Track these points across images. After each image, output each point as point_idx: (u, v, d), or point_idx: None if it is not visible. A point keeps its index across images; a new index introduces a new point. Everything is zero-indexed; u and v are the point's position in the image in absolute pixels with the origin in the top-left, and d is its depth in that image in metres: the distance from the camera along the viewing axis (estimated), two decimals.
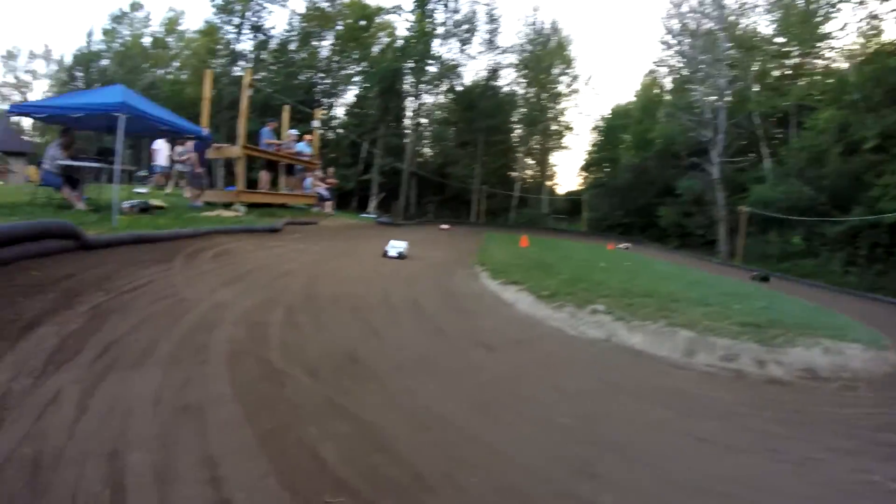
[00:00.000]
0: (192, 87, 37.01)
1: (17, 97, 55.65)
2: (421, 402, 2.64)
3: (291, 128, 16.75)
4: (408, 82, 36.36)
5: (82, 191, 8.78)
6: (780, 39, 27.15)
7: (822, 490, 2.21)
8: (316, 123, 17.91)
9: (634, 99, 45.91)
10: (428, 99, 39.85)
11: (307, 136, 16.91)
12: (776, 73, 28.37)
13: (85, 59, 46.45)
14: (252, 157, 13.67)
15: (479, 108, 38.09)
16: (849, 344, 4.11)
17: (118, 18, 48.29)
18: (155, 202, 10.50)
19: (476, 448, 2.22)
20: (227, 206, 12.13)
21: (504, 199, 41.56)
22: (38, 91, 56.86)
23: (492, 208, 41.13)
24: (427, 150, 42.58)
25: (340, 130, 36.79)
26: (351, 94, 39.24)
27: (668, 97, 35.25)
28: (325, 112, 17.80)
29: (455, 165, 38.23)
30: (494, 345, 3.84)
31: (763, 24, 28.46)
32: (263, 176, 15.23)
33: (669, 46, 32.54)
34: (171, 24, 48.75)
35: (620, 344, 4.13)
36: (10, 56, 57.06)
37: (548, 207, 43.88)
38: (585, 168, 49.66)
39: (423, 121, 40.10)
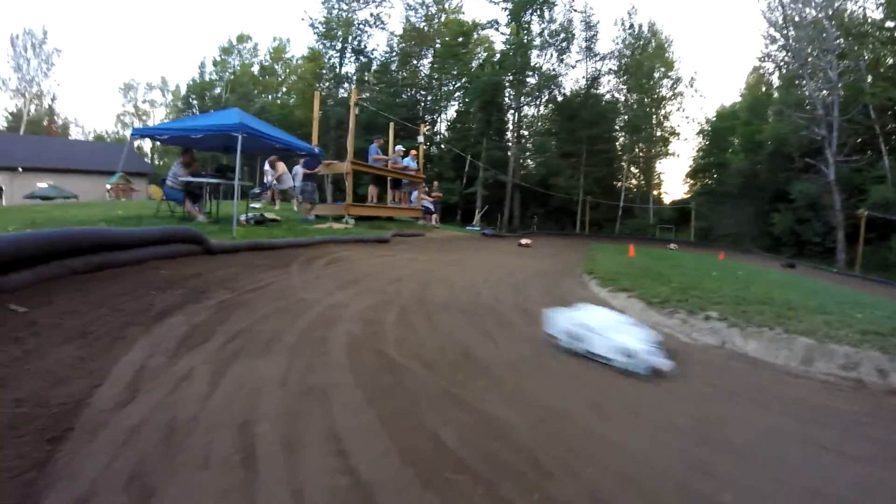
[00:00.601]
0: (300, 110, 39.43)
1: (137, 124, 61.81)
2: (533, 398, 2.52)
3: (397, 144, 17.18)
4: (508, 95, 36.44)
5: (202, 205, 9.34)
6: (891, 24, 24.61)
7: None
8: (420, 139, 18.15)
9: (740, 99, 43.40)
10: (529, 111, 39.82)
11: (412, 152, 17.21)
12: (890, 60, 25.68)
13: (199, 89, 50.92)
14: (360, 173, 14.10)
15: (581, 117, 37.43)
16: None
17: (227, 50, 52.45)
18: (269, 215, 11.03)
19: (591, 441, 2.18)
20: (337, 219, 12.52)
21: (609, 210, 40.36)
22: (157, 119, 62.90)
23: (596, 219, 40.09)
24: (530, 162, 42.29)
25: (444, 146, 37.52)
26: (453, 110, 40.28)
27: (776, 95, 33.24)
28: (428, 128, 18.00)
29: (558, 176, 37.58)
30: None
31: (871, 7, 25.90)
32: (371, 190, 15.72)
33: (774, 40, 30.37)
34: (278, 53, 52.36)
35: (735, 351, 3.96)
36: (129, 88, 64.14)
37: (654, 217, 42.13)
38: (692, 175, 47.29)
39: (525, 133, 40.05)
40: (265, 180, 16.56)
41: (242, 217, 9.43)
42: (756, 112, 35.84)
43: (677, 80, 42.38)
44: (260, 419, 2.01)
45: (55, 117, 58.18)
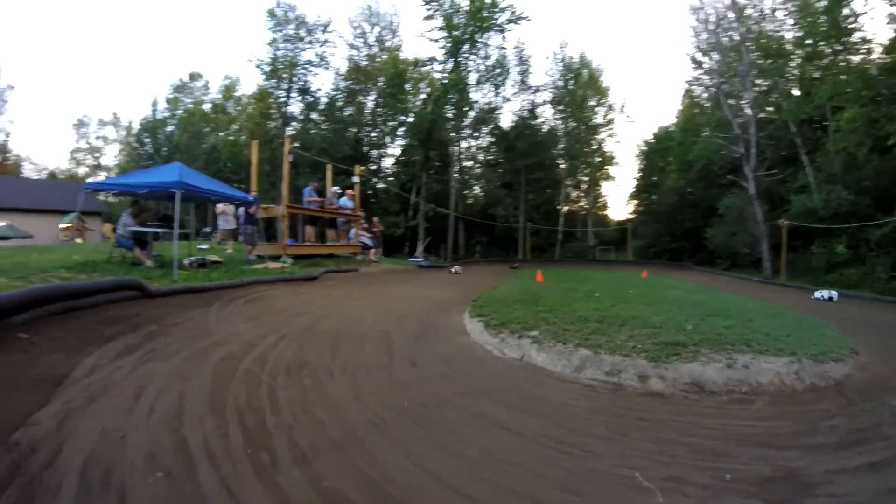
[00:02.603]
0: (248, 149, 40.42)
1: (90, 161, 61.95)
2: (341, 393, 3.76)
3: (334, 185, 18.62)
4: (448, 129, 38.08)
5: (150, 250, 10.60)
6: (808, 41, 26.01)
7: (569, 474, 2.62)
8: (356, 179, 19.47)
9: (675, 121, 45.43)
10: (468, 143, 41.63)
11: (349, 192, 18.55)
12: (798, 76, 27.43)
13: (151, 127, 51.54)
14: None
15: (518, 148, 39.35)
16: (772, 358, 4.41)
17: (179, 88, 53.42)
18: (212, 258, 12.29)
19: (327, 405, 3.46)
20: (276, 258, 13.69)
21: (551, 234, 42.18)
22: (110, 154, 63.36)
23: (539, 244, 41.72)
24: (475, 191, 44.09)
25: (389, 180, 39.03)
26: (398, 145, 41.60)
27: (704, 115, 34.70)
28: (362, 170, 19.44)
29: (499, 205, 39.38)
30: (421, 362, 4.78)
31: (786, 27, 27.53)
32: (308, 230, 17.11)
33: (699, 65, 32.06)
34: (228, 91, 53.52)
35: (528, 362, 4.77)
36: (81, 124, 64.47)
37: (594, 239, 44.23)
38: (634, 196, 49.80)
39: (467, 164, 41.82)
40: (217, 222, 17.93)
41: (186, 261, 10.74)
42: (689, 132, 37.16)
43: (610, 108, 45.20)
44: (149, 386, 3.50)
45: (7, 155, 57.78)
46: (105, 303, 5.77)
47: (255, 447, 2.72)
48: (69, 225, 23.07)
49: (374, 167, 39.07)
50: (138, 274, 8.46)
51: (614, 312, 6.56)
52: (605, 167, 47.95)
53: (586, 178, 47.16)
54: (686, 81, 37.58)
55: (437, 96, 36.06)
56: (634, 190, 49.56)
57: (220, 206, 16.59)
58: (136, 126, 57.49)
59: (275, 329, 5.68)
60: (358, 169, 20.15)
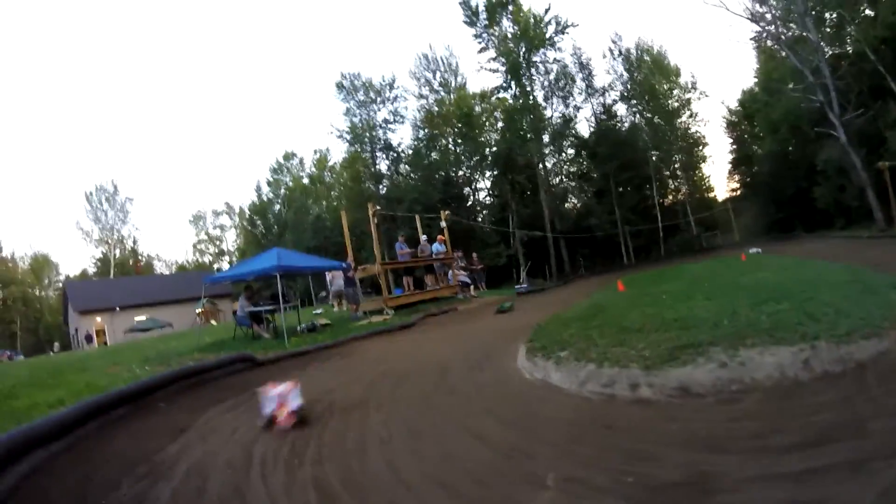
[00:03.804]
0: (348, 214, 43.37)
1: (212, 249, 70.22)
2: (375, 423, 4.53)
3: (430, 229, 20.17)
4: (528, 152, 38.35)
5: (267, 323, 12.29)
6: None
7: (494, 472, 3.10)
8: (443, 224, 20.29)
9: (755, 81, 41.45)
10: (553, 161, 42.15)
11: (440, 237, 19.59)
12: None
13: (259, 209, 57.30)
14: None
15: (601, 153, 39.24)
16: (777, 348, 4.08)
17: (277, 170, 59.04)
18: (322, 321, 13.88)
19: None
20: (378, 312, 14.99)
21: (653, 233, 41.04)
22: (229, 241, 70.76)
23: (641, 245, 40.77)
24: (568, 206, 44.06)
25: (484, 213, 40.47)
26: (488, 177, 42.88)
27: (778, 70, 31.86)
28: (448, 214, 20.70)
29: (593, 215, 39.14)
30: (459, 390, 5.40)
31: None
32: (406, 279, 18.65)
33: (754, 17, 28.75)
34: (322, 163, 58.08)
35: (547, 382, 5.03)
36: (198, 218, 72.81)
37: (696, 228, 42.54)
38: (733, 172, 47.70)
39: (555, 181, 42.17)
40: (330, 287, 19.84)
41: (300, 327, 12.42)
42: (772, 91, 33.75)
43: (683, 88, 43.83)
44: (241, 427, 4.71)
45: (139, 257, 66.52)
46: (225, 375, 7.32)
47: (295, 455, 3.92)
48: (203, 310, 26.20)
49: (468, 203, 40.51)
50: (258, 346, 10.19)
51: (663, 316, 6.19)
52: (696, 149, 45.99)
53: (678, 167, 45.57)
54: (750, 39, 34.73)
55: (508, 122, 37.19)
56: (731, 166, 47.38)
57: (330, 274, 18.39)
58: (246, 211, 64.35)
59: (356, 377, 6.87)
60: (444, 214, 21.16)
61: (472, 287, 20.23)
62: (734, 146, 46.26)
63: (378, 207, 18.59)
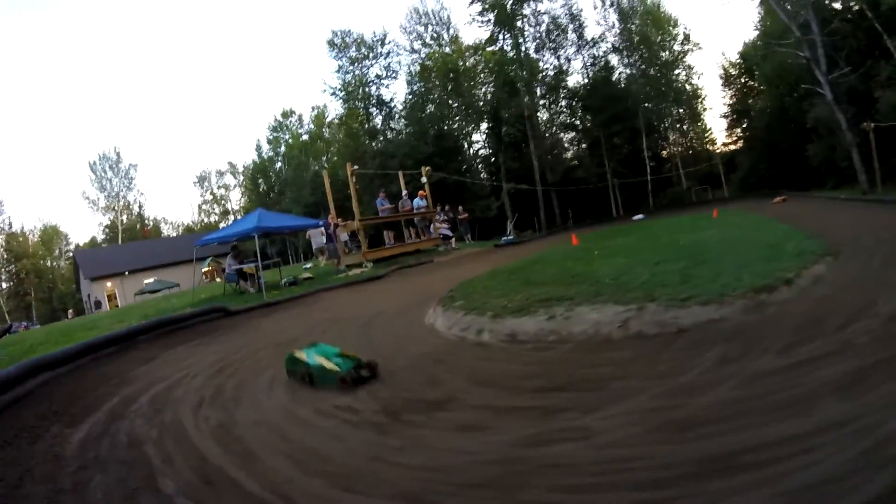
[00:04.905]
0: (345, 171, 44.09)
1: (217, 209, 72.54)
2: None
3: (413, 184, 21.44)
4: (518, 103, 38.95)
5: (251, 280, 13.61)
6: None
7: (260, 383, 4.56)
8: (423, 180, 21.22)
9: (756, 33, 40.30)
10: (544, 115, 42.68)
11: (421, 192, 20.65)
12: None
13: (260, 168, 59.19)
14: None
15: (592, 105, 39.61)
16: (604, 307, 4.46)
17: (276, 128, 59.85)
18: (305, 275, 15.33)
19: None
20: (358, 265, 16.28)
21: (641, 186, 41.24)
22: (234, 201, 72.26)
23: (632, 198, 41.07)
24: (565, 157, 44.46)
25: (479, 165, 41.53)
26: (483, 130, 43.43)
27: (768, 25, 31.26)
28: (428, 169, 21.71)
29: (583, 168, 39.86)
30: (372, 331, 6.50)
31: None
32: (386, 234, 20.08)
33: None
34: (319, 120, 58.65)
35: (434, 327, 5.85)
36: (202, 179, 74.17)
37: (687, 182, 43.06)
38: (730, 127, 47.24)
39: (546, 134, 42.59)
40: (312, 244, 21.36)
41: (283, 281, 13.86)
42: (764, 46, 32.47)
43: (677, 40, 43.72)
44: (199, 356, 5.94)
45: (146, 221, 68.22)
46: (200, 323, 8.93)
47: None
48: (209, 269, 27.70)
49: (460, 156, 40.98)
50: (241, 299, 11.76)
51: (570, 272, 6.80)
52: (693, 102, 46.09)
53: (675, 120, 45.83)
54: None
55: (498, 74, 37.68)
56: (728, 120, 46.85)
57: (309, 232, 19.90)
58: (249, 170, 65.85)
59: (302, 322, 8.30)
60: (424, 170, 21.95)
61: (452, 240, 21.42)
62: (733, 100, 45.55)
63: (356, 167, 19.79)
